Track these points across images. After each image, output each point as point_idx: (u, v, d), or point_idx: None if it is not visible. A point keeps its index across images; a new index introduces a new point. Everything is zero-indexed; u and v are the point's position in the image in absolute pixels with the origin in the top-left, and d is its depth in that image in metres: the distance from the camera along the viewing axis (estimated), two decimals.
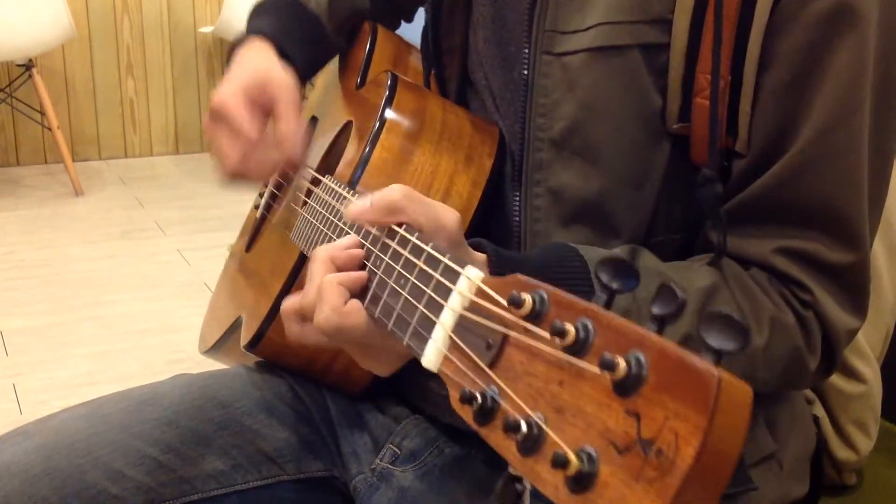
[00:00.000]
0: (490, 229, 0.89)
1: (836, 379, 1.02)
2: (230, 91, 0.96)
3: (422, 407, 0.97)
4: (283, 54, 1.01)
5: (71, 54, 4.23)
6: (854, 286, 0.80)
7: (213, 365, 1.11)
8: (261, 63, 1.00)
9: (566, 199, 0.83)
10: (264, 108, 0.97)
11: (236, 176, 0.96)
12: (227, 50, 1.00)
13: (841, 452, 1.04)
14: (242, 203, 3.96)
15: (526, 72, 0.84)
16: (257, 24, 1.04)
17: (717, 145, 0.78)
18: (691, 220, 0.84)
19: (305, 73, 1.04)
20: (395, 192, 0.69)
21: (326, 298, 0.69)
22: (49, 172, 4.15)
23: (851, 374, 1.03)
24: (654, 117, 0.81)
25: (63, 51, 4.20)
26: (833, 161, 0.77)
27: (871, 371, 1.03)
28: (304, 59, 1.03)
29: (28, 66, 3.79)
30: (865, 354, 1.03)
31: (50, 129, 3.86)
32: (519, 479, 0.49)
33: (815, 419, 1.01)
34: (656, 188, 0.82)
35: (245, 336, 0.97)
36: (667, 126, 0.81)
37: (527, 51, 0.85)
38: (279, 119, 0.96)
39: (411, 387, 0.98)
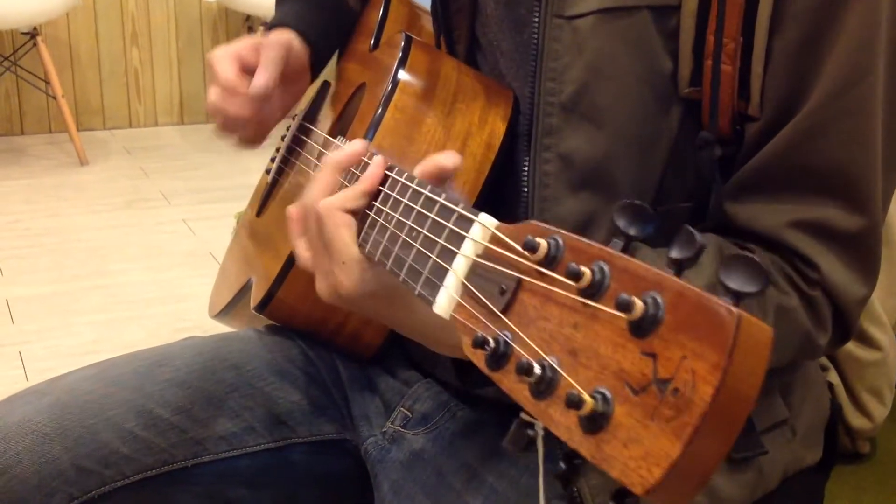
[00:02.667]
0: (499, 194, 0.88)
1: (851, 346, 1.01)
2: (223, 49, 1.01)
3: (433, 372, 0.97)
4: (307, 40, 1.05)
5: (76, 22, 4.21)
6: (865, 252, 0.79)
7: (220, 332, 1.10)
8: (268, 35, 1.03)
9: (576, 165, 0.82)
10: (251, 67, 1.00)
11: (215, 109, 1.00)
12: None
13: (855, 420, 1.03)
14: (248, 174, 3.95)
15: (536, 35, 0.83)
16: (281, 11, 1.08)
17: (722, 108, 0.77)
18: (701, 187, 0.83)
19: (326, 53, 1.09)
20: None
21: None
22: (53, 142, 4.13)
23: (867, 341, 1.02)
24: (664, 81, 0.80)
25: (68, 19, 4.17)
26: (845, 123, 0.76)
27: (886, 338, 1.03)
28: (327, 43, 1.08)
29: (33, 34, 3.77)
30: (881, 321, 1.03)
31: (54, 98, 3.85)
32: (531, 425, 0.49)
33: (830, 386, 1.00)
34: (665, 153, 0.81)
35: (255, 297, 0.97)
36: (678, 90, 0.80)
37: (537, 13, 0.83)
38: (256, 72, 0.99)
39: (422, 351, 0.97)
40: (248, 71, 1.00)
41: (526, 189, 0.86)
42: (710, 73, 0.77)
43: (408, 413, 0.95)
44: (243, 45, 1.01)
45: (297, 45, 1.03)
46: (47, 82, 3.88)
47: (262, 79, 0.98)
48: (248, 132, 1.02)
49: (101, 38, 4.28)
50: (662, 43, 0.79)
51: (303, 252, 0.78)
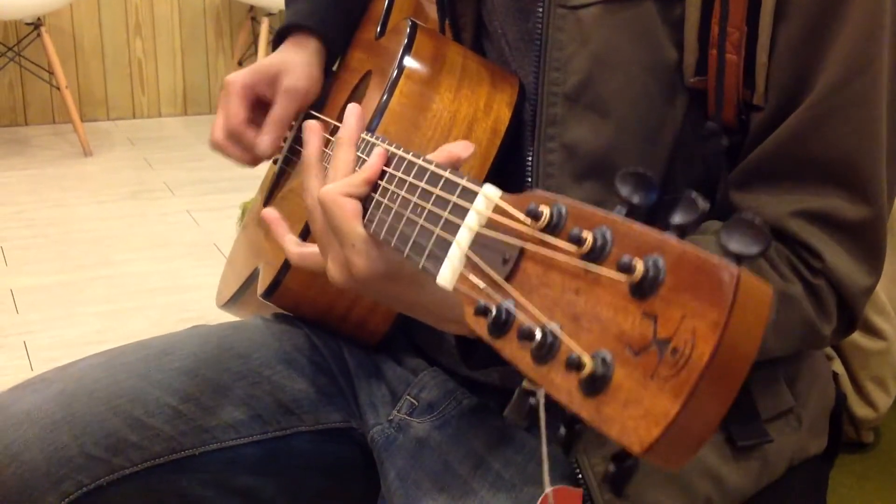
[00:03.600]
0: (504, 183, 0.88)
1: (855, 335, 1.02)
2: (240, 79, 1.05)
3: (439, 359, 0.97)
4: (325, 42, 1.08)
5: (79, 13, 4.21)
6: (870, 242, 0.79)
7: (227, 321, 1.11)
8: (287, 57, 1.06)
9: (579, 155, 0.82)
10: (265, 99, 1.05)
11: (217, 147, 1.06)
12: (273, 38, 1.11)
13: (859, 409, 1.04)
14: None
15: (540, 24, 0.83)
16: (293, 10, 1.10)
17: (727, 97, 0.77)
18: (707, 177, 0.83)
19: (341, 51, 1.11)
20: None
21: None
22: (57, 132, 4.14)
23: (871, 330, 1.02)
24: (669, 71, 0.80)
25: (71, 9, 4.17)
26: (849, 113, 0.76)
27: (891, 328, 1.03)
28: (342, 40, 1.10)
29: (36, 24, 3.77)
30: (886, 311, 1.03)
31: (58, 89, 3.85)
32: (532, 394, 0.49)
33: (834, 375, 1.00)
34: (670, 143, 0.81)
35: (262, 284, 0.97)
36: (683, 80, 0.80)
37: (541, 3, 0.83)
38: (266, 128, 1.04)
39: (428, 339, 0.98)
40: (261, 104, 1.04)
41: (530, 179, 0.86)
42: (714, 63, 0.77)
43: (414, 401, 0.95)
44: (260, 76, 1.04)
45: (312, 79, 1.06)
46: (51, 73, 3.89)
47: (268, 142, 1.04)
48: (244, 163, 1.08)
49: (105, 28, 4.28)
50: (667, 33, 0.79)
51: (293, 248, 0.81)
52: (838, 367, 1.02)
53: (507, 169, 0.88)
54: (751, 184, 0.78)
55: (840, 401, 0.97)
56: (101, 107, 4.34)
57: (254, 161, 1.06)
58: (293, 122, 1.14)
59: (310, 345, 0.99)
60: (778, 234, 0.78)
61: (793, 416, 0.88)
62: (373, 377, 0.98)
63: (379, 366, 0.99)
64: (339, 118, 1.03)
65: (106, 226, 3.18)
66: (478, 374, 0.92)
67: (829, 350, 1.01)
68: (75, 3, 4.13)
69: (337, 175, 0.75)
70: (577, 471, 0.80)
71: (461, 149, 0.72)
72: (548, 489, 0.64)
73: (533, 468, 0.85)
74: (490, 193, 0.57)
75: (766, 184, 0.78)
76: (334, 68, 1.10)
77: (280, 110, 1.03)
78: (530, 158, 0.85)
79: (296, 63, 1.04)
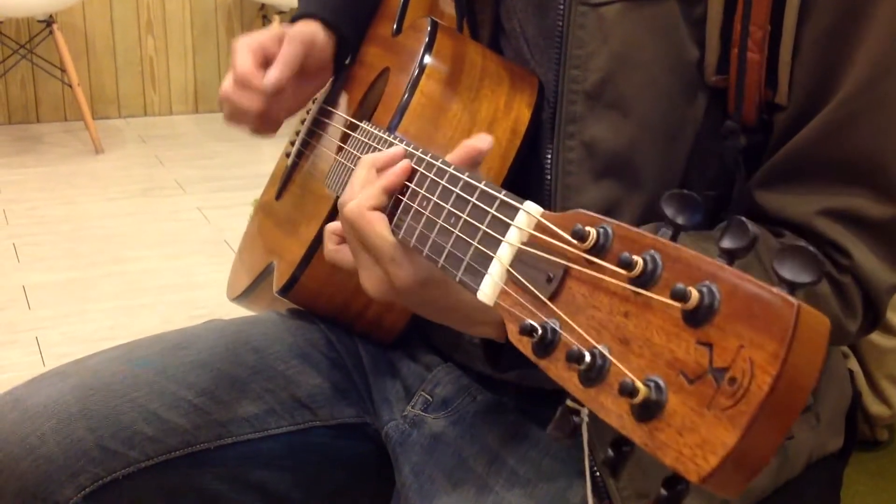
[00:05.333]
0: (523, 181, 0.88)
1: (871, 333, 1.01)
2: (247, 38, 1.01)
3: (453, 356, 0.97)
4: (335, 32, 1.05)
5: (91, 11, 4.22)
6: (894, 241, 0.79)
7: (238, 317, 1.11)
8: (294, 27, 1.03)
9: (599, 153, 0.82)
10: (272, 58, 1.01)
11: (225, 97, 1.01)
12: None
13: (874, 407, 1.04)
14: (262, 163, 3.94)
15: (561, 22, 0.83)
16: (303, 5, 1.08)
17: (748, 96, 0.77)
18: (725, 176, 0.83)
19: (355, 44, 1.09)
20: None
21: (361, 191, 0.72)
22: (69, 130, 4.15)
23: (887, 328, 1.02)
24: (690, 69, 0.79)
25: (83, 7, 4.18)
26: (876, 114, 0.75)
27: None
28: (355, 34, 1.08)
29: (49, 22, 3.78)
30: None
31: (70, 86, 3.86)
32: (576, 412, 0.49)
33: (850, 373, 1.00)
34: (690, 142, 0.81)
35: (278, 281, 0.97)
36: (705, 79, 0.79)
37: (562, 0, 0.83)
38: (271, 66, 0.99)
39: (443, 336, 0.98)
40: (269, 62, 1.00)
41: (549, 176, 0.85)
42: (736, 62, 0.77)
43: (428, 397, 0.95)
44: (268, 35, 1.01)
45: (322, 40, 1.03)
46: (63, 70, 3.90)
47: (275, 75, 0.98)
48: (255, 125, 1.02)
49: (117, 26, 4.28)
50: (689, 31, 0.79)
51: (345, 256, 0.78)
52: (853, 364, 1.02)
53: (527, 167, 0.88)
54: (776, 183, 0.78)
55: (855, 398, 0.97)
56: (112, 104, 4.35)
57: (261, 109, 1.00)
58: (306, 112, 1.14)
59: (325, 340, 0.99)
60: (804, 233, 0.78)
61: (811, 414, 0.88)
62: (387, 373, 0.98)
63: (393, 362, 0.99)
64: (356, 115, 1.03)
65: (117, 223, 3.18)
66: (493, 371, 0.92)
67: (844, 348, 1.01)
68: (87, 1, 4.14)
69: (354, 190, 0.74)
70: (595, 469, 0.79)
71: (480, 141, 0.72)
72: None
73: (548, 464, 0.85)
74: (531, 210, 0.57)
75: (791, 183, 0.78)
76: (347, 62, 1.09)
77: (285, 50, 1.00)
78: (549, 156, 0.85)
79: (304, 26, 1.03)
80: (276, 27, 1.03)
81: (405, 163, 0.73)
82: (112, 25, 4.27)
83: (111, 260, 2.89)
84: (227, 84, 1.00)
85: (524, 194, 0.72)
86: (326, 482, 0.97)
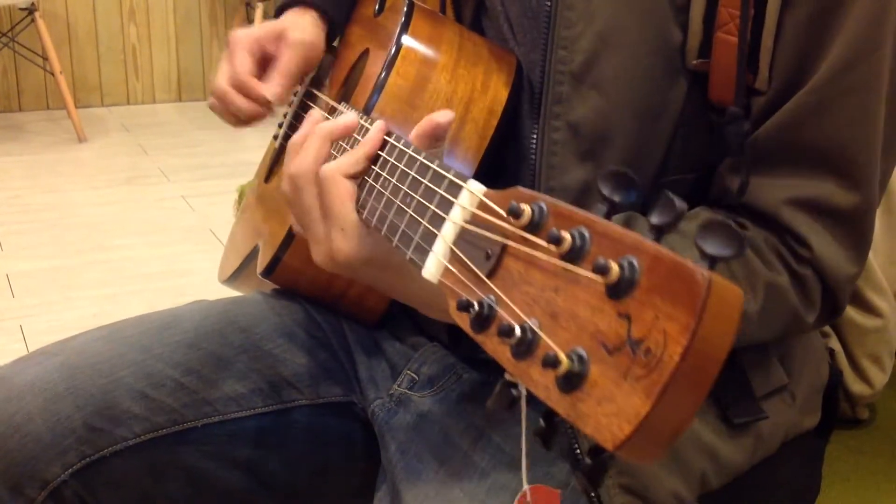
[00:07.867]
0: (505, 160, 0.88)
1: (852, 313, 1.02)
2: (245, 34, 1.01)
3: (439, 336, 0.98)
4: (327, 17, 1.06)
5: None
6: (858, 231, 0.80)
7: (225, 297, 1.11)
8: (291, 18, 1.03)
9: (584, 134, 0.83)
10: (270, 56, 1.02)
11: (219, 95, 1.01)
12: (274, 13, 1.09)
13: (855, 386, 1.05)
14: (246, 150, 3.92)
15: (548, 3, 0.83)
16: None
17: (726, 80, 0.77)
18: (706, 159, 0.83)
19: (342, 27, 1.09)
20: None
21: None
22: (51, 118, 4.13)
23: (868, 308, 1.03)
24: (673, 52, 0.80)
25: None
26: (849, 100, 0.76)
27: (887, 305, 1.04)
28: (343, 15, 1.08)
29: (30, 9, 3.76)
30: (882, 289, 1.04)
31: (53, 75, 3.84)
32: (515, 385, 0.50)
33: (831, 352, 1.01)
34: (671, 125, 0.82)
35: (261, 263, 0.98)
36: (686, 62, 0.80)
37: None
38: (272, 76, 1.00)
39: (427, 316, 0.98)
40: (266, 61, 1.01)
41: (534, 157, 0.86)
42: (719, 46, 0.78)
43: (414, 376, 0.95)
44: (266, 32, 1.02)
45: (318, 34, 1.04)
46: (45, 58, 3.87)
47: (276, 91, 1.00)
48: (244, 123, 1.03)
49: (99, 14, 4.26)
50: (673, 14, 0.79)
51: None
52: (835, 343, 1.03)
53: (508, 147, 0.88)
54: (745, 169, 0.79)
55: (836, 377, 0.98)
56: (95, 93, 4.33)
57: (255, 114, 1.01)
58: (293, 95, 1.14)
59: (310, 320, 1.00)
60: (769, 222, 0.78)
61: (787, 393, 0.89)
62: (373, 353, 0.99)
63: (379, 342, 0.99)
64: (337, 96, 1.03)
65: (101, 211, 3.17)
66: (479, 352, 0.93)
67: (826, 328, 1.02)
68: None
69: (304, 157, 0.75)
70: (576, 447, 0.80)
71: (439, 116, 0.72)
72: (526, 487, 0.65)
73: (533, 441, 0.86)
74: (474, 189, 0.58)
75: (762, 168, 0.78)
76: (335, 43, 1.10)
77: (287, 60, 1.01)
78: (535, 136, 0.85)
79: (299, 22, 1.03)
80: (270, 23, 1.03)
81: (380, 123, 0.74)
82: (94, 13, 4.25)
83: (95, 248, 2.89)
84: (223, 82, 1.01)
85: (505, 174, 0.73)
86: (313, 461, 0.97)
